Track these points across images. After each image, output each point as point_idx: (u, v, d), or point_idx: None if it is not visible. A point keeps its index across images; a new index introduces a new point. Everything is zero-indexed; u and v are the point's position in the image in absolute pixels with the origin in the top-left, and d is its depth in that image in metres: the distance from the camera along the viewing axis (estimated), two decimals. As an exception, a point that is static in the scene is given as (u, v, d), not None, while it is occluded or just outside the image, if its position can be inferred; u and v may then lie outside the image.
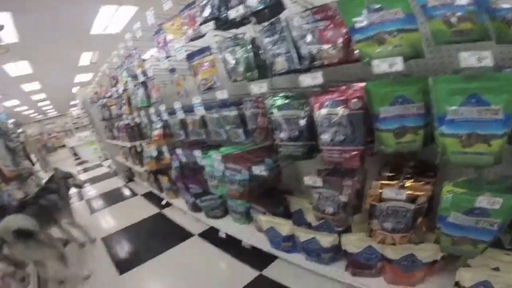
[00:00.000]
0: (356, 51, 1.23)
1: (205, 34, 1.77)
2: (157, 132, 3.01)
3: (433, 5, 1.03)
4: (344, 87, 1.32)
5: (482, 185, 1.19)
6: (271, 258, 2.26)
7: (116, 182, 5.85)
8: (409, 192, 1.34)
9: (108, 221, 3.99)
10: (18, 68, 7.66)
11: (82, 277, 2.44)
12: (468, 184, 1.21)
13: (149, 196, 4.46)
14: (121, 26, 6.19)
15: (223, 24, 1.58)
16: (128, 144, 4.13)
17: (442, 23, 1.02)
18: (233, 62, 1.64)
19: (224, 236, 2.63)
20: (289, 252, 2.10)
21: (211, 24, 1.55)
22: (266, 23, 1.47)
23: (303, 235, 1.91)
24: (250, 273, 2.21)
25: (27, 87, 10.46)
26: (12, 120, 7.07)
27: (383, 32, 1.12)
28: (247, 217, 2.54)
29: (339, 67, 1.36)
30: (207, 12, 1.58)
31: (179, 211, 3.43)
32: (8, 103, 12.42)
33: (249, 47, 1.58)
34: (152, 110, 2.78)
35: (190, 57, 1.94)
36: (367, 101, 1.25)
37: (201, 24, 1.64)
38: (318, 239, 1.84)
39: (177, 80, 2.39)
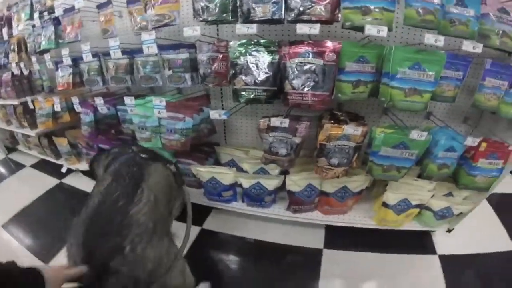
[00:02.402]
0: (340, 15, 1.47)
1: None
2: (64, 80, 2.56)
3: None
4: (319, 42, 1.55)
5: (399, 128, 1.80)
6: (206, 212, 2.38)
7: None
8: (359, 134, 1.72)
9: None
10: None
11: None
12: (391, 128, 1.81)
13: (41, 165, 3.72)
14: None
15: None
16: (15, 102, 3.29)
17: (415, 12, 1.40)
18: (208, 1, 1.61)
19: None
20: (229, 201, 2.25)
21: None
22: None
23: (247, 181, 2.09)
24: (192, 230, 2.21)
25: None
26: None
27: (371, 6, 1.41)
28: (174, 174, 2.52)
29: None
30: None
31: (86, 177, 3.10)
32: None
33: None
34: (65, 51, 2.39)
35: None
36: (338, 56, 1.52)
37: None
38: (263, 183, 2.06)
39: (109, 16, 2.11)
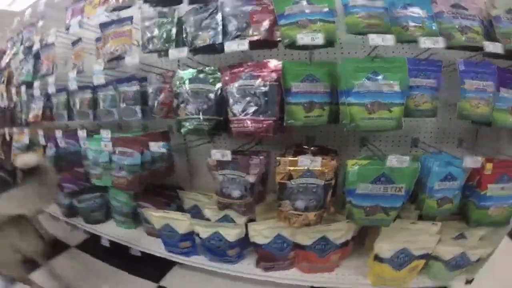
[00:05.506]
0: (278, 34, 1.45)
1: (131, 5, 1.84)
2: (35, 112, 2.67)
3: (353, 4, 1.38)
4: (259, 63, 1.51)
5: (376, 158, 1.55)
6: (168, 266, 2.17)
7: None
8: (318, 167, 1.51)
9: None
10: None
11: None
12: (368, 159, 1.51)
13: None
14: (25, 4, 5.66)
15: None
16: (-5, 133, 3.44)
17: (357, 18, 1.34)
18: (154, 33, 1.70)
19: (107, 244, 2.40)
20: (189, 254, 2.05)
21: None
22: (198, 4, 1.62)
23: (204, 230, 1.88)
24: (145, 287, 2.05)
25: None
26: None
27: (307, 19, 1.38)
28: (134, 219, 2.41)
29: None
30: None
31: (50, 217, 2.96)
32: None
33: (175, 22, 1.69)
34: (36, 84, 2.52)
35: (106, 25, 1.92)
36: (281, 76, 1.45)
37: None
38: (222, 233, 1.84)
39: (79, 51, 2.23)
